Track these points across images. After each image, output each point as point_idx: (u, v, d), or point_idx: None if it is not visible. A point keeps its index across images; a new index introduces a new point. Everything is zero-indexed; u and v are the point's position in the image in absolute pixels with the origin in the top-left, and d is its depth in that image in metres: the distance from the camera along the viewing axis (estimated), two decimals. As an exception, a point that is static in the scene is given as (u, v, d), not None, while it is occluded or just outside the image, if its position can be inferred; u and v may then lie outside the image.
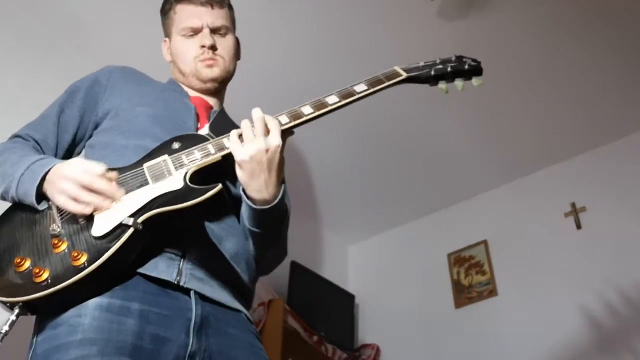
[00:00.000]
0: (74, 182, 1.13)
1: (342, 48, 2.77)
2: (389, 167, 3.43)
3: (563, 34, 2.69)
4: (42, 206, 1.17)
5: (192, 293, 1.16)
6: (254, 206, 1.23)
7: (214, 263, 1.22)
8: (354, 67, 2.78)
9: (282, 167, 1.24)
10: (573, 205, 3.22)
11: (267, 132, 1.22)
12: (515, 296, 3.18)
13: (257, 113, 1.23)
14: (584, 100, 3.00)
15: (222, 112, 1.52)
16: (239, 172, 1.22)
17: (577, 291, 2.94)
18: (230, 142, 1.23)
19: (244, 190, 1.25)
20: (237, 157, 1.20)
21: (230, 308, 1.23)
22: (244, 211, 1.28)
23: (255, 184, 1.21)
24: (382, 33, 2.70)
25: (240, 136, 1.23)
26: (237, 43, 1.60)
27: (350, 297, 3.65)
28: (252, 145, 1.19)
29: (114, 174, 1.17)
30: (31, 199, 1.16)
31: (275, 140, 1.21)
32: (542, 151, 3.33)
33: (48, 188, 1.17)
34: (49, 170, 1.17)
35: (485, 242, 3.46)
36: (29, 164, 1.20)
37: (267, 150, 1.19)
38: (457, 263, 3.52)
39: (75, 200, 1.12)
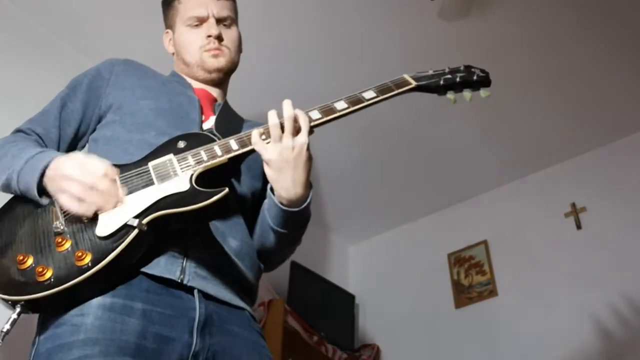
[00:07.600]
0: (76, 182, 1.09)
1: (342, 48, 2.76)
2: (389, 167, 3.43)
3: (563, 34, 2.69)
4: (45, 200, 1.15)
5: (195, 291, 1.15)
6: (283, 207, 1.24)
7: (217, 260, 1.21)
8: (354, 67, 2.79)
9: (309, 164, 1.23)
10: (573, 205, 3.22)
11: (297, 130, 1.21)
12: (515, 296, 3.18)
13: (288, 109, 1.21)
14: (584, 100, 3.00)
15: (226, 104, 1.51)
16: (266, 169, 1.21)
17: (577, 291, 2.94)
18: (253, 142, 1.21)
19: (271, 189, 1.25)
20: (265, 156, 1.19)
21: (234, 306, 1.22)
22: (269, 210, 1.28)
23: (283, 182, 1.21)
24: (382, 33, 2.70)
25: (262, 133, 1.21)
26: (240, 35, 1.59)
27: (350, 297, 3.64)
28: (280, 145, 1.18)
29: (116, 172, 1.15)
30: (33, 193, 1.14)
31: (303, 138, 1.20)
32: (542, 151, 3.33)
33: (49, 184, 1.14)
34: (47, 164, 1.14)
35: (485, 242, 3.46)
36: (28, 157, 1.18)
37: (294, 148, 1.19)
38: (457, 263, 3.52)
39: (79, 200, 1.09)
